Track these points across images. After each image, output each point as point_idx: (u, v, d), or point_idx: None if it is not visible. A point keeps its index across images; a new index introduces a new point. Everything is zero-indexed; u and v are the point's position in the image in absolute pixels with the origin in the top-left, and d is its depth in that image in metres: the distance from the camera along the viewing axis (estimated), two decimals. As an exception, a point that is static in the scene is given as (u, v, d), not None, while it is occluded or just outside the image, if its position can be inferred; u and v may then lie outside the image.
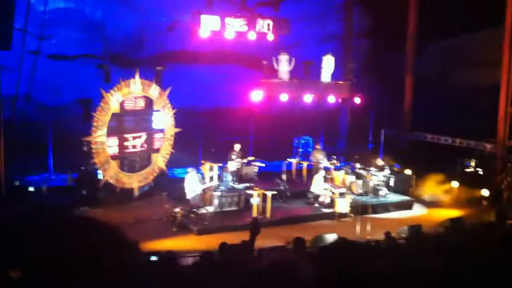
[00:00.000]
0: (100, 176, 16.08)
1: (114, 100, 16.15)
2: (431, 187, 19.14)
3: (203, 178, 16.34)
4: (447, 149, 20.54)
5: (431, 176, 19.39)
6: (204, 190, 15.68)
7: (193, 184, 15.40)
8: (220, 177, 16.76)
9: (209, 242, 13.01)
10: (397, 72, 22.85)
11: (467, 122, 20.41)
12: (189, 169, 15.85)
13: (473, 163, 19.45)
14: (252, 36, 19.12)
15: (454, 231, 13.44)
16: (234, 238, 12.77)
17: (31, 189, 14.92)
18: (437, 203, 18.33)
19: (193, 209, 14.99)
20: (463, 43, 22.68)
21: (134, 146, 16.97)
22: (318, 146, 19.66)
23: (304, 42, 22.69)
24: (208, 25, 18.30)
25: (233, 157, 17.66)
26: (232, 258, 10.17)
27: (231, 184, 16.79)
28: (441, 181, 19.27)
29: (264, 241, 13.24)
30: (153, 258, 10.93)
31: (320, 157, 18.91)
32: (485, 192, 18.02)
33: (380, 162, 18.51)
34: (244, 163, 17.75)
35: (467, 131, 20.04)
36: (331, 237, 13.37)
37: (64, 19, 18.99)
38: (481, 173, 19.36)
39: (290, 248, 10.38)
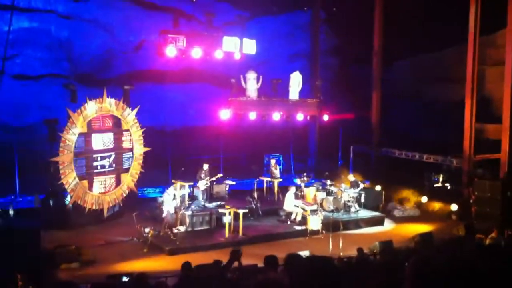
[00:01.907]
0: (68, 197, 15.73)
1: (81, 120, 15.87)
2: (401, 203, 19.36)
3: (175, 197, 16.14)
4: (416, 164, 20.81)
5: (401, 191, 19.63)
6: (175, 209, 15.48)
7: (168, 202, 15.23)
8: (190, 196, 16.60)
9: (181, 262, 12.81)
10: (365, 88, 23.16)
11: (436, 137, 20.75)
12: (169, 189, 15.67)
13: (441, 178, 19.74)
14: (219, 55, 19.10)
15: (424, 246, 13.61)
16: (207, 257, 12.65)
17: (-4, 211, 14.52)
18: (407, 218, 18.50)
19: (166, 230, 14.80)
20: (430, 60, 23.17)
21: (102, 166, 16.68)
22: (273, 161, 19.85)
23: (272, 60, 22.83)
24: (175, 44, 18.22)
25: (202, 176, 17.52)
26: (205, 278, 10.05)
27: (202, 203, 16.66)
28: (410, 196, 19.52)
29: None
30: (125, 279, 10.75)
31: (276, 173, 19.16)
32: (453, 207, 18.28)
33: (351, 178, 18.61)
34: (213, 181, 17.62)
35: (437, 144, 20.37)
36: (303, 255, 13.32)
37: (29, 39, 18.74)
38: (449, 187, 19.66)
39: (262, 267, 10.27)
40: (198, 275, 10.23)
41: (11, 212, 14.76)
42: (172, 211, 15.21)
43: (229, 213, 15.43)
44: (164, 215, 15.21)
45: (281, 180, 19.20)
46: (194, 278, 10.04)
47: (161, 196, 17.30)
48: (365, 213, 18.01)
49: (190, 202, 16.18)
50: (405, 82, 23.83)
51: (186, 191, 16.66)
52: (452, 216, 18.18)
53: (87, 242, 14.35)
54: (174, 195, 15.66)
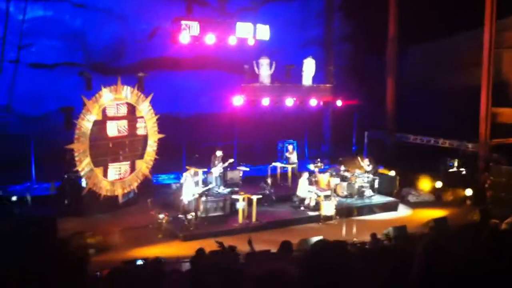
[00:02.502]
0: (83, 184, 15.90)
1: (96, 107, 16.00)
2: (415, 188, 19.27)
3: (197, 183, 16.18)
4: (430, 149, 20.69)
5: (415, 177, 19.54)
6: (201, 194, 15.51)
7: (190, 187, 15.17)
8: (205, 182, 16.66)
9: (195, 248, 12.92)
10: (379, 74, 23.00)
11: (451, 122, 20.58)
12: (185, 173, 15.69)
13: (456, 163, 19.60)
14: (233, 41, 19.08)
15: (438, 231, 13.56)
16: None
17: (14, 198, 14.71)
18: (422, 203, 18.43)
19: (179, 216, 14.89)
20: (445, 45, 22.94)
21: (117, 153, 16.79)
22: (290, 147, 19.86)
23: (286, 46, 22.74)
24: (188, 31, 18.24)
25: (216, 162, 17.58)
26: (219, 264, 10.12)
27: (216, 189, 16.74)
28: (425, 181, 19.42)
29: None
30: (139, 262, 10.90)
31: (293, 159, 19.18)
32: (468, 192, 18.17)
33: (365, 163, 18.56)
34: (226, 167, 17.66)
35: (452, 131, 20.21)
36: (316, 240, 13.37)
37: (44, 28, 18.83)
38: (464, 172, 19.51)
39: (277, 252, 10.34)
40: (212, 261, 10.33)
41: (28, 198, 14.96)
42: (191, 197, 15.10)
43: (243, 199, 15.50)
44: (184, 201, 15.12)
45: (296, 165, 19.21)
46: (207, 265, 10.15)
47: (176, 183, 17.45)
48: (379, 199, 17.99)
49: (204, 188, 16.19)
50: (420, 68, 23.63)
51: (200, 177, 16.70)
52: (467, 201, 18.07)
53: (102, 228, 14.51)
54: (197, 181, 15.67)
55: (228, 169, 17.74)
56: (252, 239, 10.84)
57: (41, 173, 17.46)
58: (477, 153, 19.45)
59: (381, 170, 19.35)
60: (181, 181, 15.67)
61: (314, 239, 13.41)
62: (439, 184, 19.17)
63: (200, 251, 10.06)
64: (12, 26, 18.06)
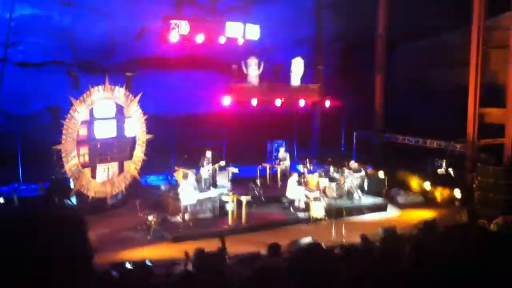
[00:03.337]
0: (71, 185, 15.76)
1: (83, 107, 15.86)
2: (404, 188, 19.33)
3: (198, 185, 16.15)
4: (419, 149, 20.75)
5: (404, 177, 19.60)
6: (200, 200, 15.45)
7: (190, 191, 15.09)
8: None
9: (184, 249, 12.86)
10: (369, 73, 23.02)
11: (440, 122, 20.63)
12: (188, 174, 15.60)
13: (444, 164, 19.68)
14: (222, 40, 19.02)
15: (428, 232, 13.60)
16: (209, 245, 12.68)
17: (0, 200, 14.54)
18: (410, 204, 18.49)
19: (168, 217, 14.84)
20: (435, 43, 22.98)
21: (105, 154, 16.68)
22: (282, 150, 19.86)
23: (275, 46, 22.69)
24: (177, 30, 18.13)
25: (205, 163, 17.51)
26: (210, 266, 10.10)
27: (205, 190, 16.68)
28: (414, 182, 19.48)
29: (240, 247, 13.25)
30: (128, 265, 10.83)
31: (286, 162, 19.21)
32: (457, 192, 18.25)
33: (354, 164, 18.59)
34: (216, 168, 17.59)
35: (441, 131, 20.25)
36: (307, 241, 13.36)
37: (31, 26, 18.61)
38: (453, 173, 19.59)
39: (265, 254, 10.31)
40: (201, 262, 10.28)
41: (15, 199, 14.80)
42: (193, 201, 15.02)
43: (232, 201, 15.45)
44: (184, 203, 15.04)
45: (287, 167, 19.17)
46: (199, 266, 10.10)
47: (165, 184, 17.39)
48: (368, 200, 18.01)
49: (205, 194, 16.08)
50: (409, 67, 23.66)
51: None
52: (455, 202, 18.16)
53: (91, 230, 14.36)
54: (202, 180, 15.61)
55: (217, 170, 17.66)
56: (224, 238, 10.91)
57: (28, 174, 17.27)
58: (465, 153, 19.52)
59: (370, 171, 19.37)
60: (180, 183, 15.58)
61: (304, 240, 13.42)
62: (427, 185, 19.24)
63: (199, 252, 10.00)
64: (-1, 24, 17.85)
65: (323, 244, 11.77)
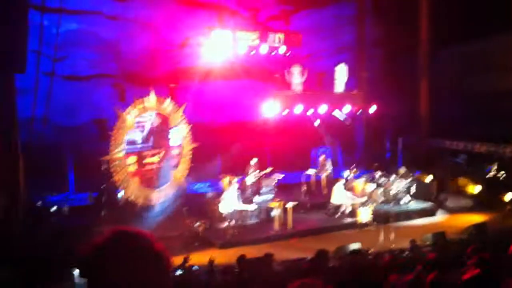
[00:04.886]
0: (120, 194, 16.05)
1: (130, 119, 16.17)
2: (453, 193, 18.94)
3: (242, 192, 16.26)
4: (467, 154, 20.34)
5: (453, 182, 19.21)
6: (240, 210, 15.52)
7: (231, 199, 15.18)
8: (240, 190, 16.60)
9: (232, 255, 12.91)
10: (412, 78, 22.75)
11: (488, 127, 20.18)
12: (232, 183, 15.69)
13: (494, 167, 19.20)
14: (264, 50, 19.14)
15: (478, 237, 13.28)
16: (256, 251, 12.70)
17: (53, 209, 14.90)
18: (460, 208, 18.09)
19: (215, 224, 14.93)
20: (479, 47, 22.54)
21: (152, 163, 16.95)
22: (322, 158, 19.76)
23: (317, 53, 22.69)
24: (220, 40, 18.35)
25: (250, 170, 17.61)
26: (255, 272, 10.12)
27: (251, 197, 16.70)
28: (463, 186, 19.08)
29: (286, 253, 13.23)
30: (179, 272, 10.96)
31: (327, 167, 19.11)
32: (508, 196, 17.77)
33: (402, 169, 18.32)
34: (262, 175, 17.66)
35: (490, 134, 19.83)
36: (354, 247, 13.22)
37: (77, 40, 19.11)
38: (503, 177, 19.10)
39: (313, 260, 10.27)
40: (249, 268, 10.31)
41: (65, 209, 15.15)
42: (231, 210, 15.09)
43: (277, 207, 15.44)
44: (222, 211, 15.14)
45: (329, 173, 19.11)
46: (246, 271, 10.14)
47: (211, 191, 17.53)
48: (416, 204, 17.72)
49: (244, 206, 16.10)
50: (451, 72, 23.27)
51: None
52: (507, 206, 17.66)
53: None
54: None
55: (263, 177, 17.69)
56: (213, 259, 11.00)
57: (79, 184, 17.67)
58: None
59: (417, 176, 19.05)
60: (224, 190, 15.67)
61: (352, 246, 13.28)
62: (477, 189, 18.81)
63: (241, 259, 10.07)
64: (47, 39, 18.37)
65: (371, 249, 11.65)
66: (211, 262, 11.21)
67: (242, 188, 16.93)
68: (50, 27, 18.42)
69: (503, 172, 19.09)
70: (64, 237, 11.96)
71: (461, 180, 19.24)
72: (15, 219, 12.98)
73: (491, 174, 19.26)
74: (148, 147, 16.88)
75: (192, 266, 11.41)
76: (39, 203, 14.59)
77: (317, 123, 20.35)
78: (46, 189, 15.99)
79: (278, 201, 15.75)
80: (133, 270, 2.14)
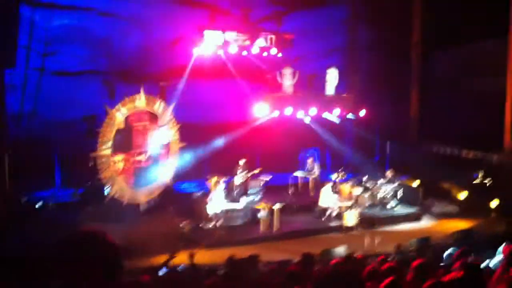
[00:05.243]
0: (106, 191, 16.01)
1: (119, 116, 16.13)
2: (439, 199, 19.02)
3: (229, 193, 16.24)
4: (455, 159, 20.43)
5: (439, 187, 19.29)
6: (227, 210, 15.50)
7: (218, 200, 15.16)
8: (227, 191, 16.60)
9: (217, 256, 12.91)
10: (404, 81, 22.83)
11: (477, 130, 20.27)
12: (218, 185, 15.66)
13: (481, 174, 19.31)
14: (255, 50, 19.17)
15: (464, 243, 13.35)
16: (241, 252, 12.69)
17: (38, 205, 14.83)
18: (446, 214, 18.18)
19: (201, 225, 14.91)
20: (469, 52, 22.66)
21: (139, 161, 16.91)
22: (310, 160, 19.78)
23: (308, 55, 22.70)
24: (211, 40, 18.38)
25: (239, 171, 17.62)
26: (240, 273, 10.12)
27: (237, 198, 16.71)
28: (449, 192, 19.16)
29: (272, 255, 13.24)
30: (162, 271, 10.94)
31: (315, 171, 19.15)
32: (494, 203, 17.88)
33: (389, 173, 18.37)
34: (249, 176, 17.67)
35: (478, 140, 19.93)
36: (339, 251, 13.26)
37: (68, 36, 19.02)
38: (489, 183, 19.21)
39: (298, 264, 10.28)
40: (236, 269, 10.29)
41: (51, 206, 15.08)
42: (218, 211, 15.06)
43: (264, 209, 15.45)
44: (209, 211, 15.10)
45: (317, 175, 19.16)
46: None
47: (198, 191, 17.51)
48: (402, 209, 17.78)
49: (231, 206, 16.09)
50: (444, 74, 23.37)
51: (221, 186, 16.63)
52: (492, 213, 17.77)
53: (125, 235, 14.53)
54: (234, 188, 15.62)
55: (250, 178, 17.72)
56: (194, 254, 11.01)
57: (65, 179, 17.60)
58: (502, 163, 19.14)
59: (405, 181, 19.12)
60: (211, 190, 15.66)
61: (337, 249, 13.32)
62: (463, 195, 18.91)
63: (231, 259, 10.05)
64: (37, 34, 18.28)
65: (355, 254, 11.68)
66: (191, 256, 11.18)
67: (229, 189, 16.94)
68: (41, 22, 18.35)
69: (489, 178, 19.21)
70: (51, 233, 11.89)
71: (448, 186, 19.32)
72: (1, 216, 12.91)
73: (478, 180, 19.37)
74: (136, 145, 16.81)
75: (177, 265, 11.38)
76: (25, 199, 14.49)
77: (307, 120, 20.28)
78: (32, 184, 15.91)
79: (265, 202, 15.76)
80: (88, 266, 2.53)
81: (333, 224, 16.30)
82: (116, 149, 16.16)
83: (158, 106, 17.24)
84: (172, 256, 11.42)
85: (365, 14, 23.51)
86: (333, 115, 20.38)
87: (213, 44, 18.34)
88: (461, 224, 16.51)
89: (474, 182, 19.41)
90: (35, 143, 17.18)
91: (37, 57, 18.55)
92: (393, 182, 18.14)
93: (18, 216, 13.90)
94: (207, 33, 18.30)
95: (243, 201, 16.42)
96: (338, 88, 20.55)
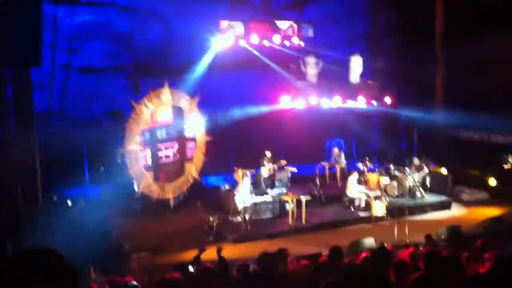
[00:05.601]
0: (135, 188, 16.14)
1: (145, 111, 16.20)
2: (469, 186, 18.78)
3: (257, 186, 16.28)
4: (483, 145, 20.14)
5: (468, 174, 19.04)
6: (256, 203, 15.52)
7: (245, 193, 15.19)
8: (253, 184, 16.58)
9: (245, 250, 12.97)
10: (428, 69, 22.50)
11: (503, 117, 19.93)
12: (245, 178, 15.70)
13: (511, 159, 19.00)
14: (277, 39, 19.08)
15: (494, 230, 13.20)
16: (270, 245, 12.72)
17: (69, 203, 15.02)
18: (476, 201, 17.96)
19: (230, 218, 14.96)
20: (495, 39, 22.21)
21: (167, 156, 17.00)
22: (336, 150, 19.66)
23: (331, 43, 22.46)
24: (233, 31, 18.35)
25: (265, 163, 17.61)
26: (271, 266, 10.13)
27: (265, 190, 16.70)
28: (479, 178, 18.91)
29: (301, 248, 13.24)
30: (192, 267, 11.00)
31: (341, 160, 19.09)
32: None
33: (416, 161, 18.16)
34: (277, 168, 17.65)
35: (503, 126, 19.61)
36: (368, 242, 13.21)
37: (92, 32, 19.16)
38: (520, 168, 18.92)
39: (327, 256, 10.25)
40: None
41: (82, 202, 15.24)
42: (244, 204, 15.07)
43: (292, 201, 15.43)
44: (238, 205, 15.15)
45: (344, 165, 19.08)
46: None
47: (225, 184, 17.57)
48: (431, 198, 17.58)
49: (258, 198, 16.06)
50: (468, 61, 22.97)
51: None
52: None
53: (155, 231, 14.71)
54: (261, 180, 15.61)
55: (277, 169, 17.68)
56: (221, 248, 11.00)
57: (94, 176, 17.78)
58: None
59: (433, 168, 18.90)
60: (238, 184, 15.67)
61: (366, 240, 13.27)
62: (493, 181, 18.64)
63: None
64: (61, 31, 18.43)
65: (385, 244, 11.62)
66: (219, 251, 11.21)
67: (256, 181, 16.95)
68: (64, 19, 18.48)
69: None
70: (83, 230, 12.04)
71: (477, 172, 19.07)
72: (34, 212, 13.08)
73: (508, 165, 19.08)
74: (163, 140, 16.88)
75: (207, 261, 11.42)
76: (55, 197, 14.68)
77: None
78: (62, 182, 16.10)
79: (292, 194, 15.73)
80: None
81: (362, 214, 16.21)
82: (144, 144, 16.25)
83: (183, 99, 17.25)
84: (201, 251, 11.47)
85: (388, 1, 23.22)
86: (358, 103, 20.19)
87: (234, 35, 18.31)
88: (491, 212, 16.28)
89: (505, 167, 19.13)
90: (63, 140, 17.35)
91: (62, 54, 18.69)
92: (421, 170, 17.94)
93: (50, 214, 14.09)
94: (228, 24, 18.28)
95: (271, 193, 16.39)
96: (362, 75, 20.36)
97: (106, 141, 16.56)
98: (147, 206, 16.09)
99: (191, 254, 12.77)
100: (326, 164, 19.26)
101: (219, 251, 11.18)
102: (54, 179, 15.28)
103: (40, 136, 14.30)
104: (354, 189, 16.64)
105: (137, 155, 15.97)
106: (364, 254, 8.80)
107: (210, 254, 11.84)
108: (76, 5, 18.71)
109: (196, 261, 11.34)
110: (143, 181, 16.10)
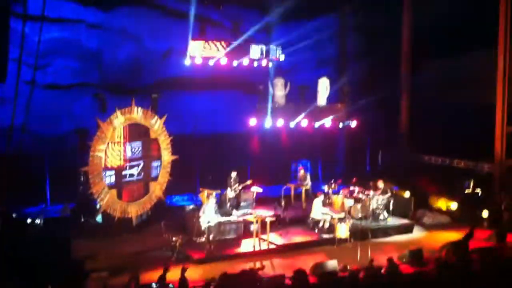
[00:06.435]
0: (97, 206, 15.95)
1: (110, 130, 16.09)
2: (430, 210, 19.06)
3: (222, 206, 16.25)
4: (445, 169, 20.50)
5: (430, 198, 19.34)
6: (220, 223, 15.46)
7: (210, 213, 15.11)
8: (217, 205, 16.52)
9: (209, 271, 12.89)
10: (394, 92, 22.93)
11: (467, 141, 20.37)
12: (210, 198, 15.63)
13: (471, 184, 19.38)
14: (246, 61, 19.28)
15: (455, 254, 13.40)
16: (233, 266, 12.69)
17: (28, 221, 14.75)
18: (437, 225, 18.21)
19: (193, 238, 14.88)
20: (459, 63, 22.81)
21: (131, 175, 16.87)
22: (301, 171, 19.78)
23: (299, 66, 22.77)
24: (202, 51, 18.47)
25: (231, 183, 17.59)
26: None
27: (230, 211, 16.67)
28: (440, 202, 19.21)
29: (265, 269, 13.24)
30: (154, 286, 10.93)
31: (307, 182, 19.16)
32: (485, 213, 17.93)
33: (380, 184, 18.35)
34: (243, 189, 17.65)
35: (468, 150, 20.03)
36: (332, 264, 13.27)
37: (59, 49, 19.01)
38: (480, 194, 19.27)
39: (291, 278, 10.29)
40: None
41: (40, 221, 14.99)
42: (208, 224, 15.00)
43: (256, 221, 15.42)
44: (202, 225, 15.06)
45: (309, 187, 19.17)
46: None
47: (189, 204, 17.49)
48: (394, 221, 17.75)
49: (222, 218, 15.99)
50: (433, 85, 23.50)
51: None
52: (484, 223, 17.81)
53: (116, 250, 14.53)
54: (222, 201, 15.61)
55: (242, 190, 17.69)
56: (186, 268, 10.99)
57: (55, 194, 17.51)
58: (492, 173, 19.24)
59: (396, 191, 19.14)
60: (203, 204, 15.61)
61: (329, 262, 13.33)
62: (454, 206, 18.96)
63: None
64: (28, 47, 18.21)
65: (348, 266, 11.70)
66: (183, 271, 11.15)
67: (221, 201, 16.90)
68: (32, 35, 18.27)
69: (480, 188, 19.29)
70: (43, 249, 11.83)
71: (438, 196, 19.38)
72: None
73: (469, 190, 19.44)
74: (128, 158, 16.76)
75: (168, 284, 11.35)
76: (14, 214, 14.40)
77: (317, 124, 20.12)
78: (22, 199, 15.83)
79: (256, 215, 15.73)
80: None
81: (326, 236, 16.27)
82: (108, 162, 16.11)
83: (150, 118, 17.20)
84: (166, 270, 11.39)
85: (356, 25, 23.64)
86: (325, 125, 20.36)
87: (203, 55, 18.42)
88: (452, 235, 16.50)
89: (465, 192, 19.48)
90: (26, 157, 17.08)
91: (28, 70, 18.46)
92: (385, 193, 18.13)
93: (11, 231, 13.81)
94: (198, 44, 18.38)
95: (235, 213, 16.37)
96: (329, 98, 20.58)
97: (70, 158, 16.36)
98: (109, 225, 15.89)
99: (153, 275, 12.69)
100: (291, 186, 19.33)
101: (183, 270, 11.13)
102: (14, 197, 15.00)
103: (1, 152, 14.09)
104: (318, 211, 16.71)
105: (100, 173, 15.81)
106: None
107: (173, 274, 11.79)
108: (44, 21, 18.53)
109: (160, 281, 11.26)
110: (106, 199, 15.92)
